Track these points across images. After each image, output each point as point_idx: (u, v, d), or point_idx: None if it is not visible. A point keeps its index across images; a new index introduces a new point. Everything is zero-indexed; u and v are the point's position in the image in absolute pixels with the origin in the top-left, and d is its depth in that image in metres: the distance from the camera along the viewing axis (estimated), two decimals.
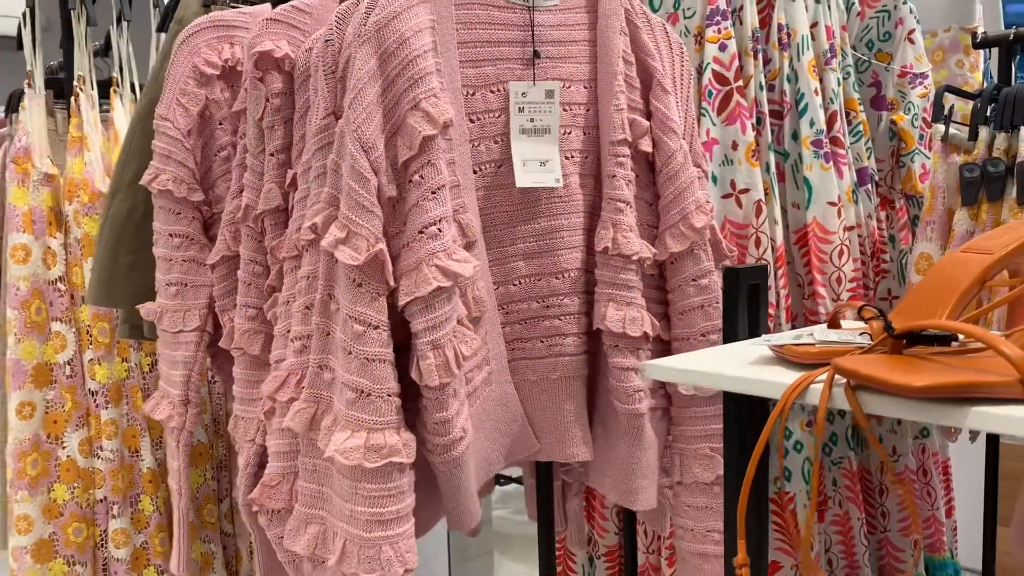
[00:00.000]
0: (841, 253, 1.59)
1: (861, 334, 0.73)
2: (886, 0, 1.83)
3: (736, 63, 1.53)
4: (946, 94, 1.65)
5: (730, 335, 0.88)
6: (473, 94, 1.10)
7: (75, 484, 1.73)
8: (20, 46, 1.95)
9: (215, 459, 1.87)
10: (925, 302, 0.74)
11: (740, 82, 1.53)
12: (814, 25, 1.63)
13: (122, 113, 1.79)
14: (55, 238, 1.71)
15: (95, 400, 1.72)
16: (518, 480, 3.69)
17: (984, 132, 1.52)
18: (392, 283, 1.00)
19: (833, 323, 0.84)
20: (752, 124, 1.54)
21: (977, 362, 0.61)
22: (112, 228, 1.42)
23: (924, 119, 1.82)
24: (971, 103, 1.59)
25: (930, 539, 1.94)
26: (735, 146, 1.52)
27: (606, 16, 1.15)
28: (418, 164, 1.00)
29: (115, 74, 1.80)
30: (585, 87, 1.17)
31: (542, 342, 1.17)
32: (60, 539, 1.72)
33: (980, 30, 2.75)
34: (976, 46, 1.71)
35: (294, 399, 1.04)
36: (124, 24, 1.78)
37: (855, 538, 1.80)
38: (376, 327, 0.98)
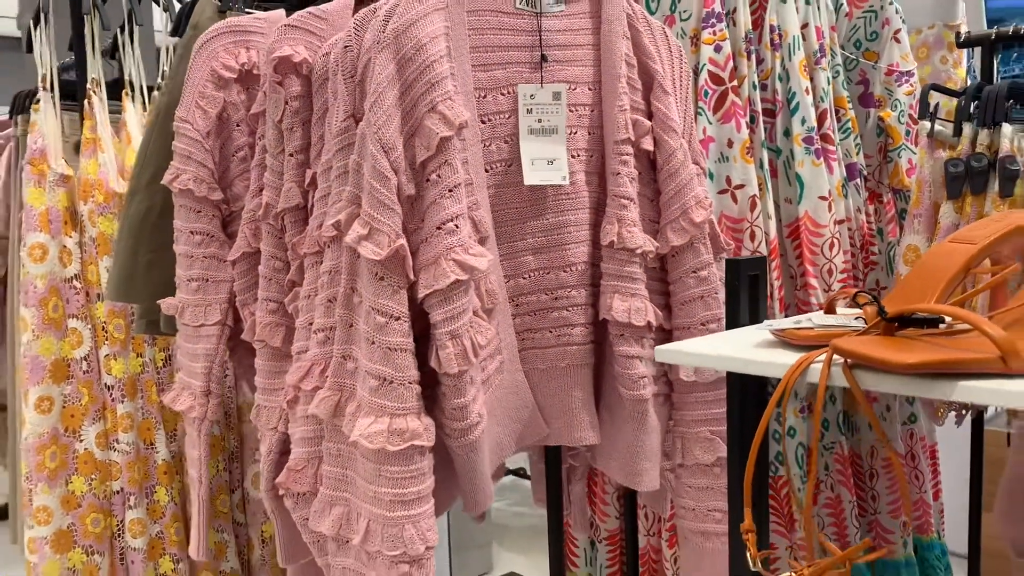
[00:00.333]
0: (832, 245, 1.65)
1: (856, 318, 0.79)
2: (873, 1, 1.89)
3: (731, 64, 1.59)
4: (931, 92, 1.71)
5: (732, 322, 0.94)
6: (484, 96, 1.16)
7: (92, 476, 1.78)
8: (29, 48, 1.99)
9: (227, 451, 1.92)
10: (915, 289, 0.80)
11: (735, 82, 1.59)
12: (804, 26, 1.69)
13: (134, 115, 1.84)
14: (71, 237, 1.76)
15: (111, 394, 1.77)
16: (516, 472, 3.75)
17: (968, 128, 1.58)
18: (412, 277, 1.05)
19: (829, 310, 0.90)
20: (746, 122, 1.60)
21: (963, 342, 0.68)
22: (131, 228, 1.47)
23: (910, 116, 1.88)
24: (955, 100, 1.66)
25: (918, 521, 2.01)
26: (730, 143, 1.58)
27: (609, 21, 1.21)
28: (435, 164, 1.05)
29: (128, 77, 1.84)
30: (590, 89, 1.22)
31: (551, 332, 1.22)
32: (78, 529, 1.77)
33: (963, 27, 2.83)
34: (960, 45, 1.77)
35: (318, 387, 1.09)
36: (136, 27, 1.82)
37: (846, 520, 1.87)
38: (398, 318, 1.03)
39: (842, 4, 1.86)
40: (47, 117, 1.76)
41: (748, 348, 0.80)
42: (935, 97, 1.73)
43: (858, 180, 1.81)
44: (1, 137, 2.45)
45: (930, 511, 2.02)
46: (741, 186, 1.58)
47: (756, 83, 1.64)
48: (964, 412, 1.76)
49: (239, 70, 1.34)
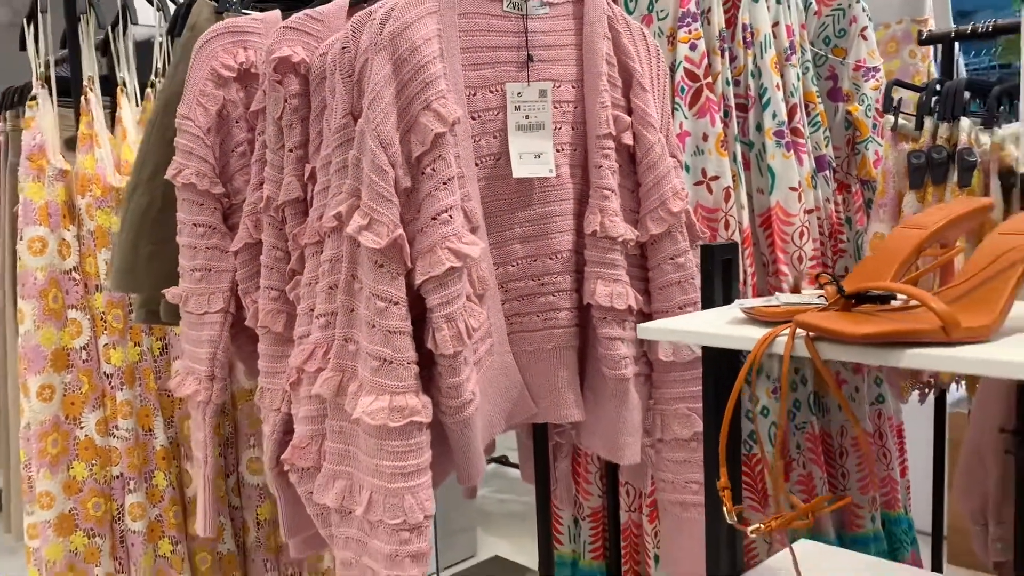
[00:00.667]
0: (802, 234, 1.73)
1: (818, 297, 0.88)
2: None
3: (705, 61, 1.67)
4: (895, 87, 1.80)
5: (707, 303, 1.02)
6: (474, 94, 1.23)
7: (93, 462, 1.84)
8: (23, 47, 2.03)
9: (222, 437, 1.99)
10: (872, 270, 0.89)
11: (709, 78, 1.67)
12: (775, 24, 1.78)
13: (128, 111, 1.89)
14: (69, 230, 1.81)
15: (110, 382, 1.83)
16: (500, 460, 3.83)
17: (929, 122, 1.67)
18: (409, 264, 1.12)
19: (795, 291, 0.98)
20: (720, 117, 1.68)
21: (911, 315, 0.76)
22: (132, 222, 1.53)
23: (877, 109, 1.97)
24: (919, 95, 1.75)
25: (886, 496, 2.11)
26: (705, 137, 1.66)
27: (591, 23, 1.28)
28: (430, 158, 1.12)
29: (122, 75, 1.89)
30: (573, 86, 1.30)
31: (538, 316, 1.30)
32: (80, 513, 1.83)
33: (931, 22, 2.93)
34: (921, 43, 1.86)
35: (321, 369, 1.16)
36: (131, 26, 1.87)
37: (818, 496, 1.96)
38: (396, 303, 1.10)
39: (811, 3, 1.94)
40: (45, 113, 1.81)
41: (721, 325, 0.88)
42: (899, 92, 1.82)
43: (827, 171, 1.89)
44: None
45: (897, 487, 2.12)
46: (716, 178, 1.66)
47: (730, 79, 1.72)
48: (927, 391, 1.86)
49: (238, 69, 1.40)
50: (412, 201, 1.14)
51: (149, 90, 1.93)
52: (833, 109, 1.98)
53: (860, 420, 2.03)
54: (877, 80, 1.97)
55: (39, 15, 1.83)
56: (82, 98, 1.82)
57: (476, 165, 1.24)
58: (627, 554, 1.89)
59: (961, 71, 3.06)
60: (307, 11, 1.30)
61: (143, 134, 1.55)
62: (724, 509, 0.83)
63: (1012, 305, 0.76)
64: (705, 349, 0.95)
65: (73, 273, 1.82)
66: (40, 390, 1.79)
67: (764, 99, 1.72)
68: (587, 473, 1.97)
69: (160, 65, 1.89)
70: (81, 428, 1.83)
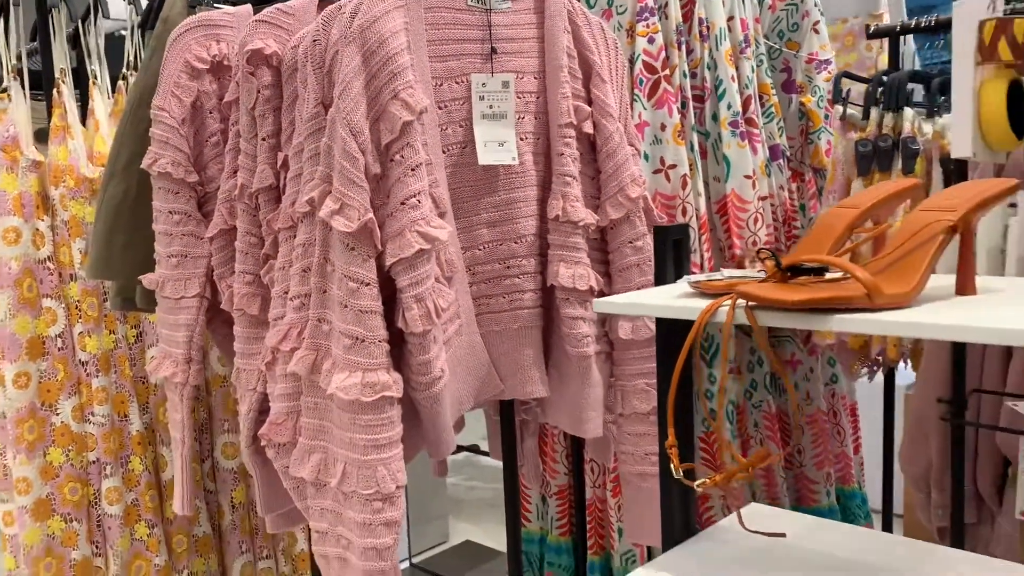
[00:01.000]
0: (756, 220, 1.81)
1: (759, 271, 0.95)
2: None
3: (663, 54, 1.74)
4: (844, 78, 1.88)
5: (660, 280, 1.09)
6: (441, 85, 1.29)
7: (69, 447, 1.87)
8: None
9: (197, 423, 2.03)
10: (809, 245, 0.96)
11: (667, 71, 1.74)
12: (730, 18, 1.85)
13: (100, 104, 1.92)
14: (43, 220, 1.84)
15: (86, 370, 1.86)
16: (470, 449, 3.89)
17: (875, 112, 1.76)
18: (379, 247, 1.18)
19: (739, 266, 1.05)
20: (678, 108, 1.76)
21: (841, 285, 0.83)
22: (107, 211, 1.57)
23: (829, 100, 2.05)
24: (866, 86, 1.83)
25: (840, 472, 2.20)
26: (663, 127, 1.73)
27: (552, 17, 1.34)
28: (399, 145, 1.18)
29: (93, 67, 1.92)
30: (535, 78, 1.36)
31: (504, 298, 1.36)
32: (57, 498, 1.86)
33: (885, 17, 3.03)
34: (869, 36, 1.94)
35: (296, 348, 1.21)
36: (101, 19, 1.90)
37: (775, 473, 2.04)
38: (367, 284, 1.16)
39: None
40: (17, 105, 1.84)
41: (670, 298, 0.94)
42: (847, 84, 1.90)
43: (781, 160, 1.97)
44: None
45: (851, 463, 2.21)
46: (673, 166, 1.73)
47: (687, 72, 1.79)
48: (875, 368, 1.95)
49: (211, 61, 1.45)
50: (382, 187, 1.19)
51: (120, 83, 1.96)
52: (787, 100, 2.06)
53: (815, 399, 2.12)
54: (829, 72, 2.06)
55: (11, 7, 1.85)
56: (55, 90, 1.84)
57: (443, 153, 1.29)
58: (592, 528, 1.97)
59: (916, 63, 3.17)
60: (278, 5, 1.35)
61: (118, 125, 1.58)
62: (671, 466, 0.89)
63: (930, 275, 0.83)
64: (659, 323, 1.02)
65: (47, 262, 1.85)
66: (16, 378, 1.82)
67: (720, 90, 1.80)
68: (554, 452, 2.04)
69: (132, 58, 1.92)
70: (57, 415, 1.86)
